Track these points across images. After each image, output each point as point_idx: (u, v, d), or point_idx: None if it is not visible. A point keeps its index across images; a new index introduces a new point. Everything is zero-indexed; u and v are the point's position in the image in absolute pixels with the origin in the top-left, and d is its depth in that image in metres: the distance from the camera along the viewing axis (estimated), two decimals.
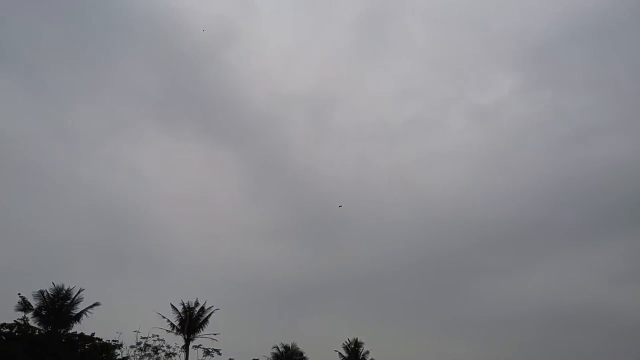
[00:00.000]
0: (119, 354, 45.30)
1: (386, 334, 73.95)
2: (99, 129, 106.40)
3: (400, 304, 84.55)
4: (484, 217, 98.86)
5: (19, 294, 43.48)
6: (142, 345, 46.63)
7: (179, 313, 50.35)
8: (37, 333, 42.54)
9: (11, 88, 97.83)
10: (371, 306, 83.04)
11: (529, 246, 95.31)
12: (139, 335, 46.76)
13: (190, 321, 50.08)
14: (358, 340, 60.13)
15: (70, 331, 44.12)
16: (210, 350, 49.85)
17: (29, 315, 43.34)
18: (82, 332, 44.17)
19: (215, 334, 50.18)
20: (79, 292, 45.13)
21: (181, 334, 49.77)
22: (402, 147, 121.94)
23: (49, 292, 44.44)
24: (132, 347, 46.17)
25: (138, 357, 46.32)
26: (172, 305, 50.50)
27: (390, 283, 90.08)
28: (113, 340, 45.16)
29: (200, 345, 50.02)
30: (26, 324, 42.88)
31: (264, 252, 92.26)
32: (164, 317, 49.71)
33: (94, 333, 44.48)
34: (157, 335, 47.73)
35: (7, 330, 41.26)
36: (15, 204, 79.63)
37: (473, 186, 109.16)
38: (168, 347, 47.94)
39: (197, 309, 50.80)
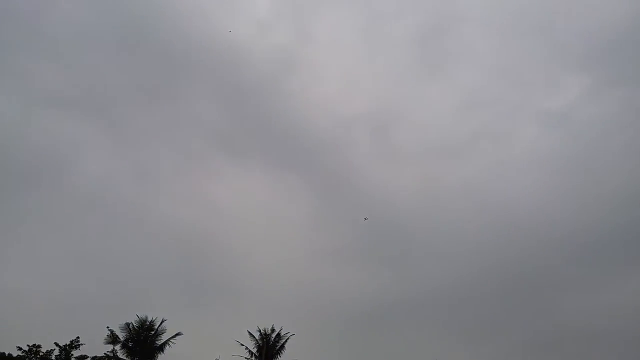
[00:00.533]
0: None
1: (465, 355, 71.23)
2: (174, 164, 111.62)
3: (478, 323, 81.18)
4: (565, 227, 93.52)
5: (107, 327, 46.12)
6: None
7: (257, 340, 51.06)
8: None
9: (94, 134, 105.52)
10: (447, 326, 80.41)
11: (615, 255, 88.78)
12: None
13: (268, 348, 50.57)
14: None
15: None
16: None
17: (117, 347, 45.77)
18: None
19: None
20: (162, 323, 47.25)
21: None
22: (470, 160, 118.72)
23: (134, 324, 46.78)
24: None
25: None
26: (249, 332, 51.30)
27: (466, 302, 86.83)
28: None
29: None
30: (115, 357, 45.21)
31: (334, 275, 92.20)
32: (242, 345, 50.64)
33: None
34: None
35: None
36: (101, 240, 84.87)
37: (551, 195, 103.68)
38: None
39: (274, 335, 51.28)
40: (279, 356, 50.67)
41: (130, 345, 46.03)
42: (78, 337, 45.45)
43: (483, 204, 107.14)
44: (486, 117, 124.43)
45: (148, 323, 47.13)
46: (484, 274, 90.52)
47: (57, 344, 45.06)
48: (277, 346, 50.91)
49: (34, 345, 44.56)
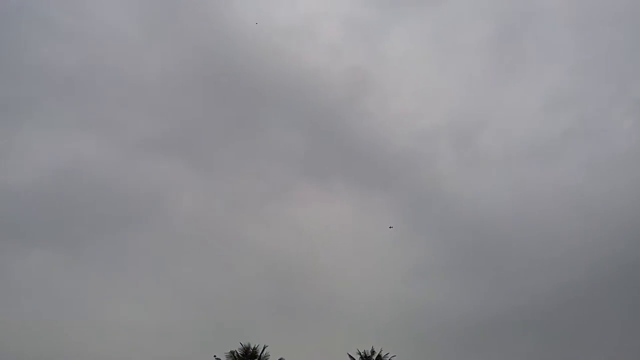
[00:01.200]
0: None
1: None
2: (261, 193, 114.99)
3: (586, 336, 75.49)
4: None
5: (214, 356, 48.22)
6: None
7: None
8: None
9: (186, 172, 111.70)
10: (554, 341, 75.56)
11: None
12: None
13: None
14: None
15: None
16: None
17: None
18: None
19: None
20: (264, 349, 48.66)
21: None
22: (563, 160, 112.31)
23: (238, 352, 48.53)
24: None
25: None
26: (349, 355, 51.29)
27: (568, 307, 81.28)
28: None
29: None
30: None
31: (428, 291, 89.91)
32: None
33: None
34: None
35: None
36: (200, 272, 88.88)
37: None
38: None
39: (374, 357, 50.92)
40: None
41: None
42: None
43: (582, 204, 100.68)
44: (575, 114, 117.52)
45: (251, 350, 48.71)
46: (589, 278, 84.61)
47: None
48: None
49: None
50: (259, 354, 48.72)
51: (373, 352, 51.05)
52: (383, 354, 50.78)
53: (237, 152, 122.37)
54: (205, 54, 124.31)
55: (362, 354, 51.00)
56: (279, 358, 48.60)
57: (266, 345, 49.01)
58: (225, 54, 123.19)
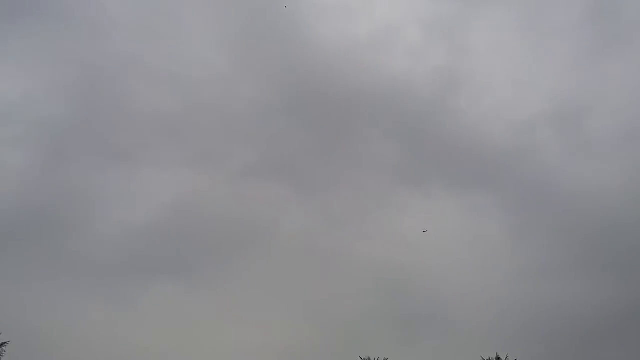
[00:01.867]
0: None
1: None
2: (361, 206, 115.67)
3: None
4: None
5: None
6: None
7: None
8: None
9: (287, 194, 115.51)
10: None
11: None
12: None
13: None
14: None
15: None
16: None
17: None
18: None
19: None
20: None
21: None
22: None
23: None
24: None
25: None
26: None
27: None
28: None
29: None
30: None
31: (548, 291, 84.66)
32: None
33: None
34: None
35: None
36: (311, 289, 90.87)
37: None
38: None
39: None
40: None
41: None
42: None
43: None
44: None
45: None
46: None
47: None
48: None
49: None
50: None
51: (499, 358, 49.29)
52: None
53: (334, 168, 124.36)
54: (292, 76, 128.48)
55: None
56: None
57: (386, 358, 49.20)
58: (310, 72, 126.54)
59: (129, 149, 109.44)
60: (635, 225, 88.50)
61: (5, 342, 45.31)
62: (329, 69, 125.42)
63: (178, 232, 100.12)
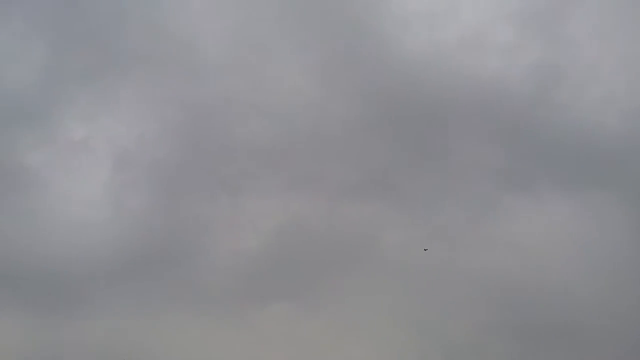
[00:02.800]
0: None
1: None
2: (466, 215, 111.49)
3: None
4: None
5: None
6: None
7: None
8: None
9: (386, 210, 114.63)
10: None
11: None
12: None
13: None
14: None
15: None
16: None
17: None
18: None
19: None
20: None
21: None
22: None
23: None
24: None
25: None
26: None
27: None
28: None
29: None
30: None
31: None
32: None
33: None
34: None
35: None
36: (422, 307, 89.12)
37: None
38: None
39: None
40: None
41: None
42: None
43: None
44: None
45: None
46: None
47: None
48: None
49: None
50: None
51: None
52: None
53: (434, 179, 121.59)
54: (381, 92, 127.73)
55: None
56: None
57: None
58: (399, 85, 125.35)
59: (234, 180, 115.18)
60: None
61: None
62: (418, 79, 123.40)
63: (285, 255, 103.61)
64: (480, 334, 78.56)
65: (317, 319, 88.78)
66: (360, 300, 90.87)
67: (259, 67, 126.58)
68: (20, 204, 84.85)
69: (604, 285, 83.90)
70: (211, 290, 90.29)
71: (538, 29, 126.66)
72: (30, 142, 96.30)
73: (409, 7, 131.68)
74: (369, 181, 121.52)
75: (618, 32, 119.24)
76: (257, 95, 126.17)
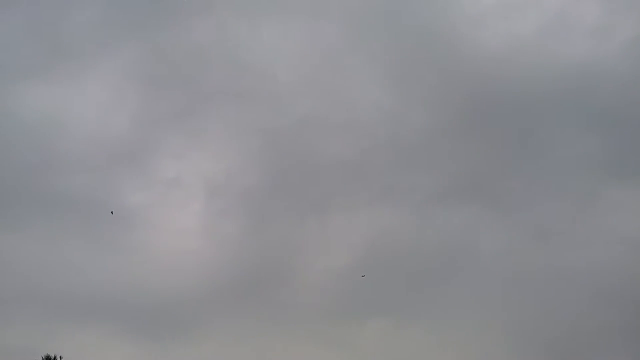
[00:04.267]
0: None
1: None
2: (567, 212, 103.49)
3: None
4: None
5: None
6: None
7: None
8: None
9: (479, 213, 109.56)
10: None
11: None
12: None
13: None
14: None
15: None
16: None
17: None
18: None
19: None
20: None
21: None
22: None
23: None
24: None
25: None
26: None
27: None
28: None
29: None
30: None
31: None
32: None
33: None
34: None
35: None
36: (520, 311, 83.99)
37: None
38: None
39: None
40: None
41: None
42: None
43: None
44: None
45: None
46: None
47: None
48: None
49: None
50: None
51: None
52: None
53: (528, 178, 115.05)
54: (460, 94, 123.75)
55: None
56: None
57: None
58: (479, 85, 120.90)
59: (320, 199, 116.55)
60: None
61: None
62: (498, 76, 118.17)
63: (377, 269, 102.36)
64: (597, 333, 71.93)
65: (416, 332, 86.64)
66: (459, 310, 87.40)
67: (333, 85, 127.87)
68: (125, 241, 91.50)
69: None
70: (307, 310, 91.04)
71: (629, 2, 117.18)
72: (129, 183, 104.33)
73: (482, 2, 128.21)
74: (457, 186, 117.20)
75: None
76: (335, 113, 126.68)
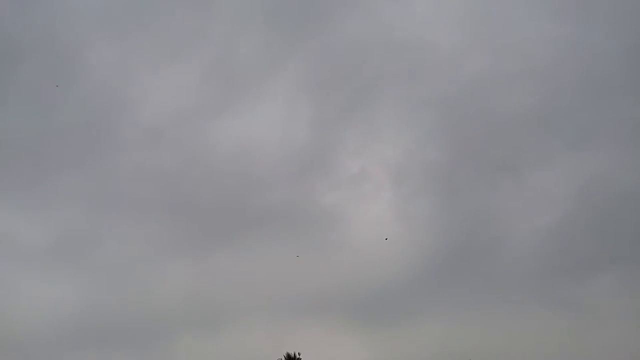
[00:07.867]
0: None
1: None
2: None
3: None
4: None
5: None
6: None
7: None
8: None
9: None
10: None
11: None
12: None
13: None
14: None
15: None
16: None
17: None
18: None
19: None
20: None
21: None
22: None
23: None
24: None
25: None
26: None
27: None
28: None
29: None
30: None
31: None
32: None
33: None
34: None
35: None
36: None
37: None
38: None
39: None
40: None
41: None
42: None
43: None
44: None
45: None
46: None
47: None
48: None
49: None
50: None
51: None
52: None
53: None
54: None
55: None
56: None
57: None
58: None
59: (510, 157, 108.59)
60: None
61: None
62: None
63: (596, 220, 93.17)
64: None
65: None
66: None
67: (500, 35, 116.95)
68: (327, 240, 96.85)
69: None
70: (520, 274, 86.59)
71: None
72: (320, 186, 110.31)
73: None
74: None
75: None
76: (507, 63, 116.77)
